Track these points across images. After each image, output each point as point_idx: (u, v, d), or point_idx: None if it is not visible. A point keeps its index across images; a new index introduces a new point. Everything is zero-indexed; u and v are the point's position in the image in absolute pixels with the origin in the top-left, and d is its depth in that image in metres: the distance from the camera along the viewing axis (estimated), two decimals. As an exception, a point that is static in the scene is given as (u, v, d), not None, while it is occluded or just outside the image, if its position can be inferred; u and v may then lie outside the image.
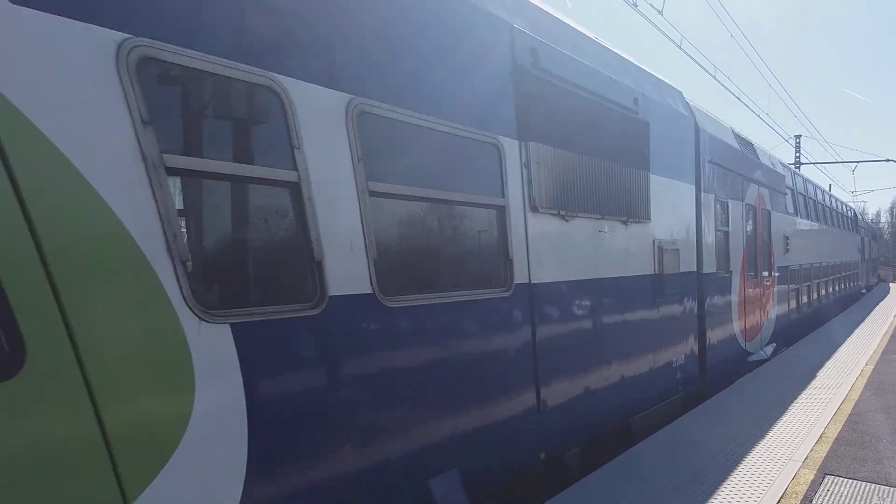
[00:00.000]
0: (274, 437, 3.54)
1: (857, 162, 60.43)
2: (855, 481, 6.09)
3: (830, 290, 22.19)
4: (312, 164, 3.82)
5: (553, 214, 6.07)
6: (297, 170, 3.74)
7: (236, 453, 3.35)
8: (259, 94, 3.65)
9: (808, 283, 18.26)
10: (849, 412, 8.55)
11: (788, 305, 15.82)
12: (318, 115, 3.92)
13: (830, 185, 34.42)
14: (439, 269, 5.03)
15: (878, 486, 6.00)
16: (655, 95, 8.41)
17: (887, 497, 5.74)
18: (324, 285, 3.83)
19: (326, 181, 3.91)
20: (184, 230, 3.36)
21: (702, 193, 9.73)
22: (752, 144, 13.27)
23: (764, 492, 5.74)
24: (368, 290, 4.13)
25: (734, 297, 11.33)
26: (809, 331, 17.21)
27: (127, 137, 2.98)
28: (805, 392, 9.66)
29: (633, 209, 7.51)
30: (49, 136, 2.68)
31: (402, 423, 4.42)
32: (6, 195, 2.55)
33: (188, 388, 3.11)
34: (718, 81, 18.56)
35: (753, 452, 6.75)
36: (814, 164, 44.66)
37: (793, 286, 16.17)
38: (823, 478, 6.15)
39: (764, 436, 7.36)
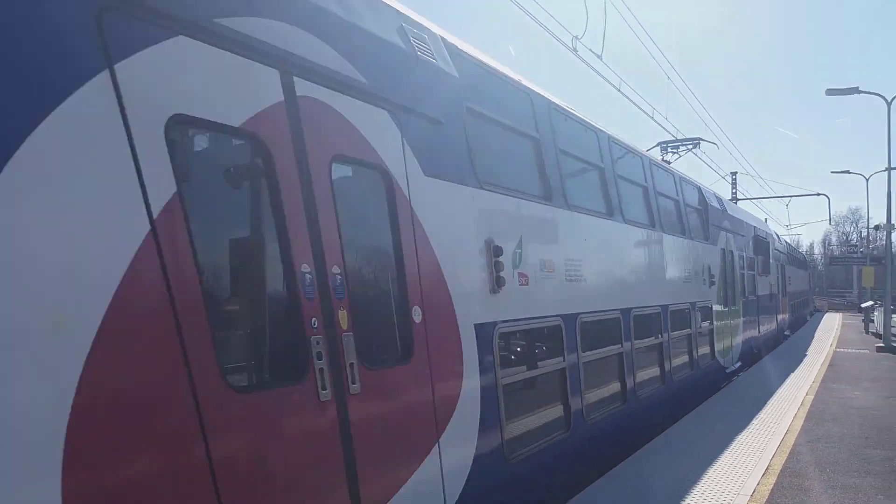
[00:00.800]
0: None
1: (791, 196, 63.24)
2: (801, 513, 6.24)
3: (801, 307, 41.16)
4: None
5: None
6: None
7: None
8: None
9: (794, 302, 33.99)
10: (792, 443, 8.76)
11: (790, 311, 30.75)
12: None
13: (766, 219, 35.79)
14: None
15: (823, 516, 6.17)
16: (781, 242, 29.17)
17: (832, 527, 5.88)
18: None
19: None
20: None
21: (778, 265, 24.57)
22: (784, 241, 33.48)
23: (715, 528, 5.83)
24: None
25: (781, 304, 25.38)
26: (797, 327, 32.73)
27: None
28: (751, 424, 9.86)
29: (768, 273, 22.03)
30: None
31: (753, 334, 18.71)
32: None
33: None
34: (656, 122, 19.29)
35: (703, 489, 6.83)
36: (750, 199, 46.48)
37: (789, 302, 30.59)
38: (771, 510, 6.28)
39: (713, 471, 7.46)
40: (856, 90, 22.93)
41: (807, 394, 12.53)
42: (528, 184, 6.83)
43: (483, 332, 5.52)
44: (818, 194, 72.52)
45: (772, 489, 6.83)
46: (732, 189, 38.47)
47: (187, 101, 3.26)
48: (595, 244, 8.02)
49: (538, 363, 6.86)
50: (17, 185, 2.54)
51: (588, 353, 7.51)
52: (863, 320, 30.82)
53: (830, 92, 23.37)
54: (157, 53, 3.13)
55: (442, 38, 5.66)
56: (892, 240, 23.78)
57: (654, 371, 10.00)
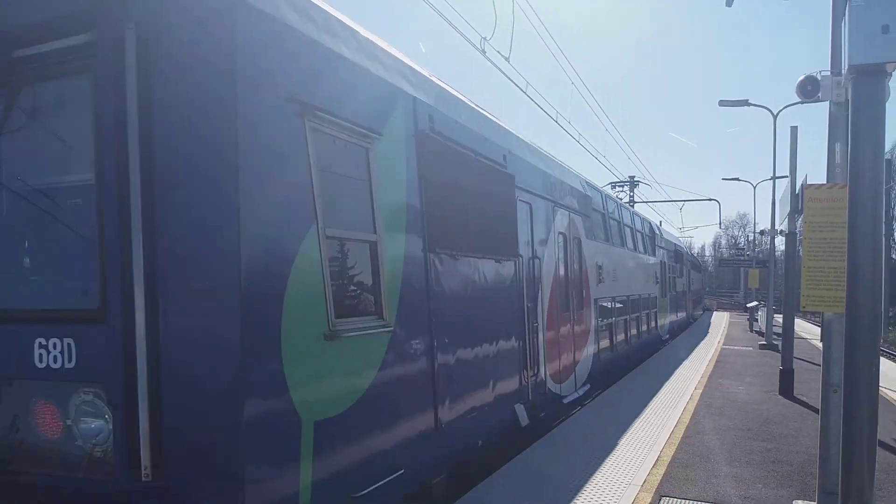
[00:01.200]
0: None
1: (685, 201, 66.56)
2: (687, 501, 6.51)
3: (698, 302, 46.61)
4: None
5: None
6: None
7: None
8: None
9: (695, 299, 41.04)
10: (682, 435, 9.16)
11: (692, 305, 38.09)
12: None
13: (661, 222, 37.44)
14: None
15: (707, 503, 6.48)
16: (689, 252, 43.14)
17: (715, 514, 6.17)
18: None
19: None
20: None
21: (686, 269, 33.13)
22: (690, 252, 46.76)
23: (607, 518, 6.03)
24: None
25: (688, 299, 34.64)
26: (698, 312, 43.10)
27: None
28: (642, 416, 10.26)
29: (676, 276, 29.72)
30: None
31: (674, 318, 28.04)
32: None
33: None
34: (560, 125, 19.86)
35: (597, 479, 7.00)
36: (646, 202, 48.50)
37: (692, 300, 37.89)
38: (660, 500, 6.51)
39: (607, 462, 7.68)
40: (745, 102, 24.26)
41: (696, 388, 13.18)
42: (602, 234, 13.81)
43: (595, 302, 12.61)
44: (710, 199, 76.52)
45: (661, 479, 7.11)
46: (630, 193, 39.90)
47: (565, 229, 10.99)
48: (619, 260, 15.23)
49: (604, 319, 13.46)
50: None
51: (618, 318, 14.77)
52: (748, 319, 32.65)
53: (723, 103, 24.61)
54: (561, 216, 10.75)
55: (585, 179, 13.10)
56: (776, 244, 25.42)
57: (636, 331, 17.47)
